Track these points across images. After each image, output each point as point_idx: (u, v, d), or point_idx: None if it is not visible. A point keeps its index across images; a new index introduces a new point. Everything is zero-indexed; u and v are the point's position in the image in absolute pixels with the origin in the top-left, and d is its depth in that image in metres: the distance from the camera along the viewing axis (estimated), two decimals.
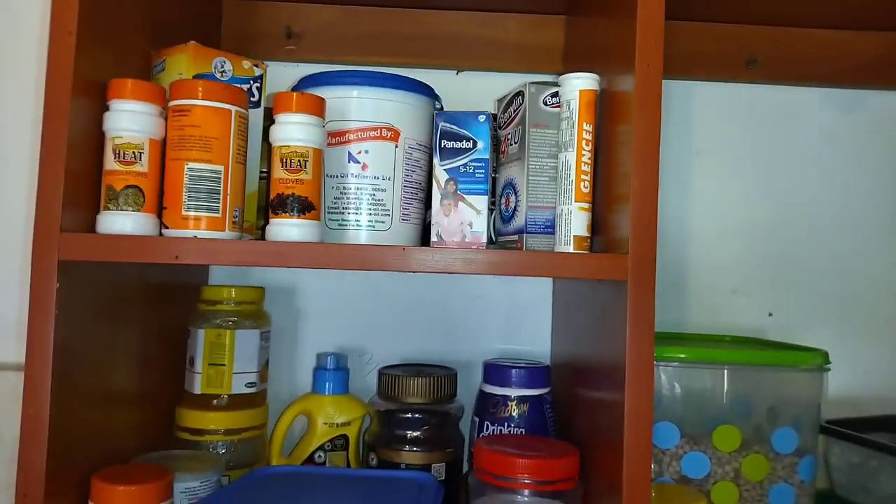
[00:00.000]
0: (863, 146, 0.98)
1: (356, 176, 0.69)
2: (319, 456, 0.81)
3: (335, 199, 0.69)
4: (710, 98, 0.97)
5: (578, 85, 0.66)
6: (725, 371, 0.71)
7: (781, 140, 0.97)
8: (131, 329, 0.70)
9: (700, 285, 0.95)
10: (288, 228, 0.61)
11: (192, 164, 0.60)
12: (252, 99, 0.71)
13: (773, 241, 0.96)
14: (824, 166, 0.98)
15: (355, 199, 0.69)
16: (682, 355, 0.72)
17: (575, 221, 0.64)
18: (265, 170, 0.75)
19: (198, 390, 0.76)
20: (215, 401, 0.76)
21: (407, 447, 0.77)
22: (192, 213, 0.59)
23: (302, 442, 0.82)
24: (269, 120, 0.74)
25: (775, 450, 0.70)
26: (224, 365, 0.77)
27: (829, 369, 0.72)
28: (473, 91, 0.92)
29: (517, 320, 0.93)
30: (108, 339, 0.65)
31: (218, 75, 0.69)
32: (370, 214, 0.70)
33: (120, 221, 0.59)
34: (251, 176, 0.71)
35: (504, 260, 0.57)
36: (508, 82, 0.77)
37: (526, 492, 0.63)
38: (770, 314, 0.95)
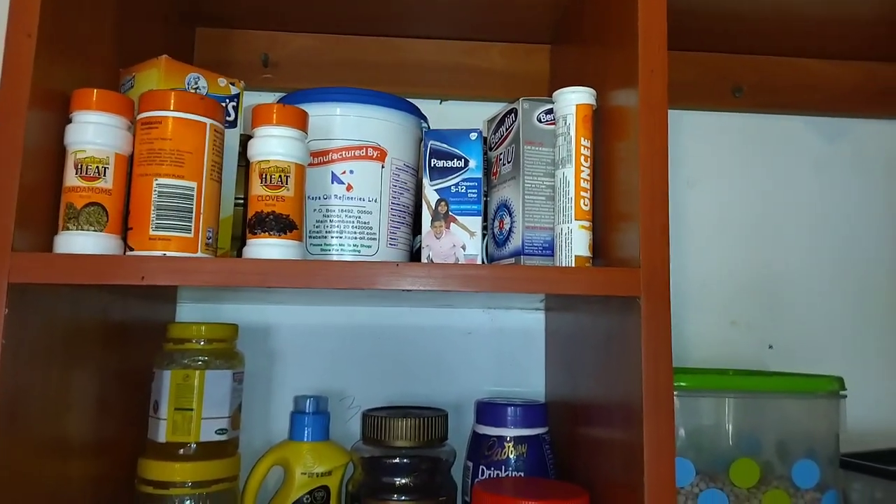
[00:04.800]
0: (848, 173, 0.97)
1: (340, 197, 0.65)
2: None
3: (317, 222, 0.64)
4: (698, 127, 0.95)
5: (575, 99, 0.63)
6: (736, 401, 0.67)
7: (771, 168, 0.96)
8: (89, 370, 0.63)
9: (697, 318, 0.91)
10: (268, 248, 0.55)
11: (161, 180, 0.54)
12: (228, 118, 0.66)
13: (768, 270, 0.93)
14: (814, 193, 0.96)
15: (339, 221, 0.64)
16: (685, 383, 0.67)
17: (576, 240, 0.60)
18: (241, 196, 0.70)
19: (162, 438, 0.69)
20: (182, 450, 0.69)
21: (395, 496, 0.70)
22: (160, 233, 0.54)
23: (278, 495, 0.75)
24: (244, 146, 0.70)
25: (796, 484, 0.65)
26: (192, 409, 0.70)
27: (844, 396, 0.68)
28: (457, 120, 0.88)
29: (508, 357, 0.88)
30: (62, 381, 0.58)
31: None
32: (355, 238, 0.65)
33: (80, 242, 0.53)
34: (226, 199, 0.66)
35: (507, 275, 0.52)
36: (492, 110, 0.74)
37: None
38: (770, 346, 0.91)
